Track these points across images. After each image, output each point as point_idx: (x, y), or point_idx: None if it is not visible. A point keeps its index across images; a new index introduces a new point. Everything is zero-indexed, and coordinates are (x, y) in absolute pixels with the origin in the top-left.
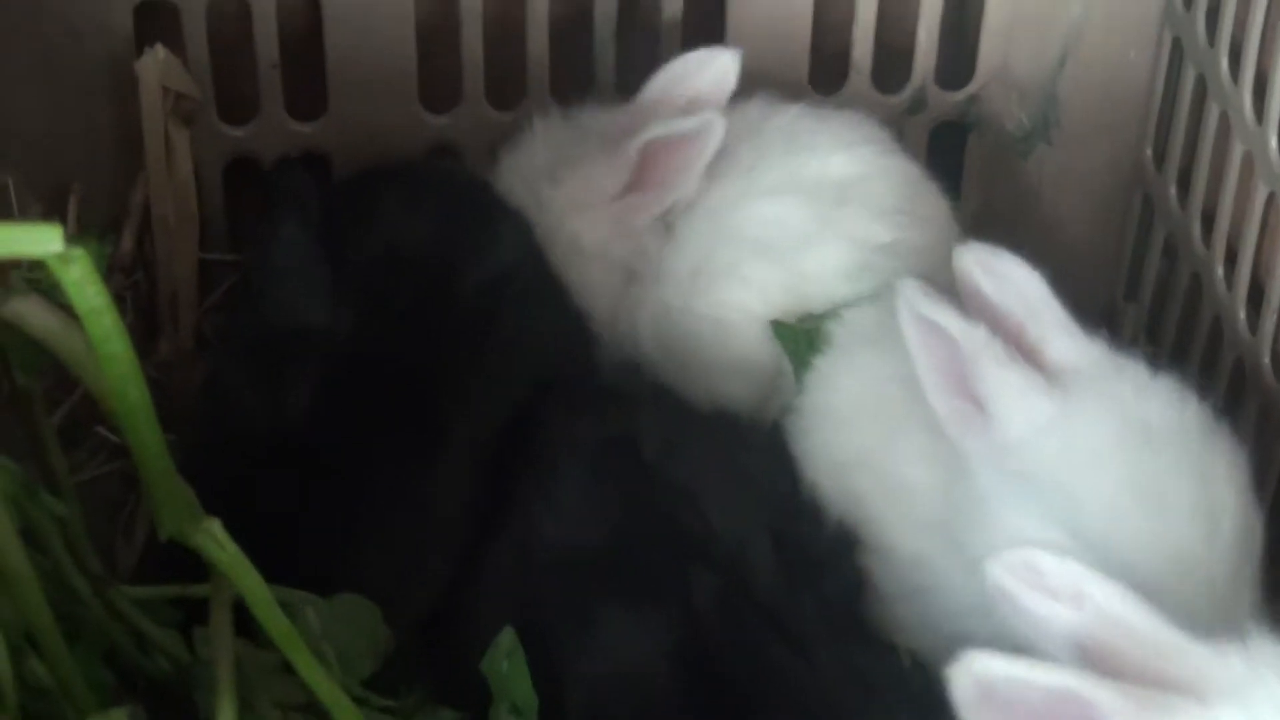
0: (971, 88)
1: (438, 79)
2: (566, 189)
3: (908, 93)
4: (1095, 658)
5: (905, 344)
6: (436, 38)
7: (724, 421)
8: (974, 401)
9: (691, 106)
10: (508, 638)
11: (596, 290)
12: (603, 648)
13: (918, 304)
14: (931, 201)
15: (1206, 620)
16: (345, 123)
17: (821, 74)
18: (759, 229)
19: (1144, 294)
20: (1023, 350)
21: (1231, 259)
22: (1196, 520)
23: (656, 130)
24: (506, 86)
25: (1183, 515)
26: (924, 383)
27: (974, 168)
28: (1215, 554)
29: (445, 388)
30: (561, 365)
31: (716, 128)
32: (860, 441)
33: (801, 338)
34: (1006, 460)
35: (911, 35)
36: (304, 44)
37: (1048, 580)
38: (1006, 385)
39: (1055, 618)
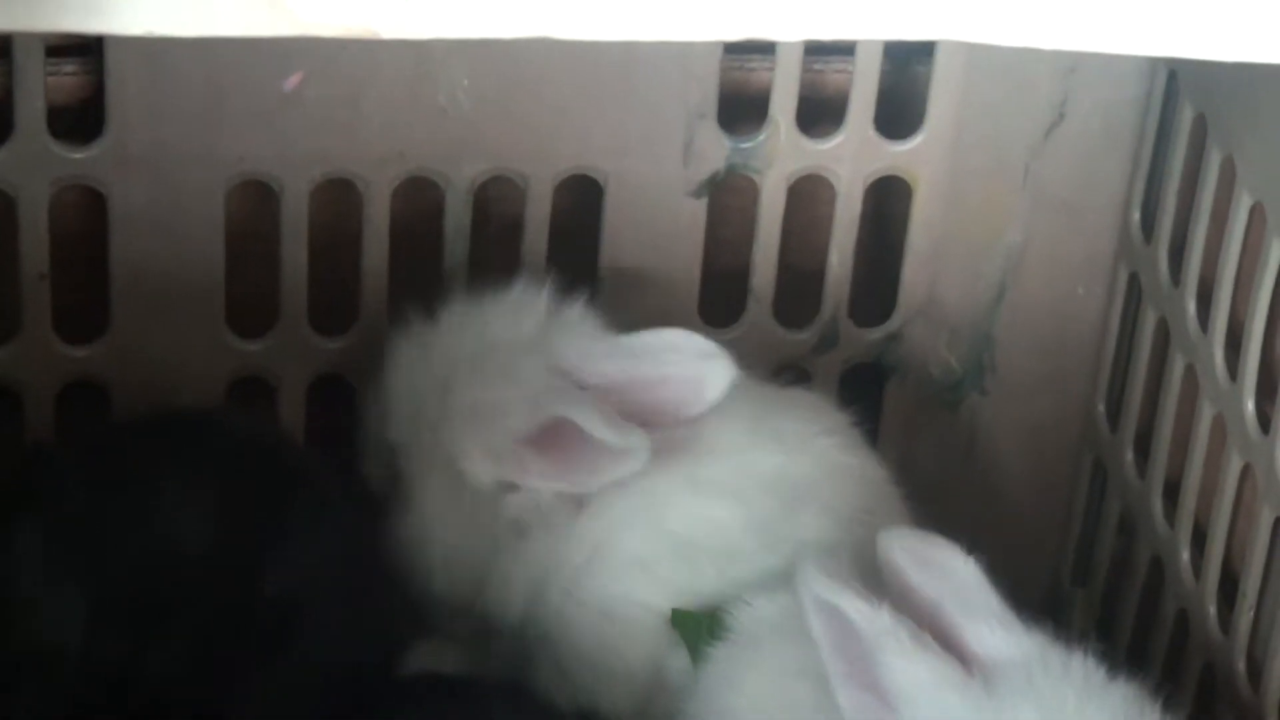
0: (892, 324)
1: (249, 295)
2: (468, 423)
3: (816, 328)
4: None
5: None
6: (249, 245)
7: None
8: (879, 695)
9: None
10: None
11: (470, 543)
12: None
13: (818, 586)
14: (889, 508)
15: None
16: (129, 346)
17: (714, 303)
18: (693, 527)
19: (1096, 578)
20: (949, 643)
21: (1200, 542)
22: None
23: (580, 415)
24: (334, 306)
25: None
26: (831, 673)
27: (893, 418)
28: None
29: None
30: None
31: (639, 453)
32: None
33: (701, 625)
34: None
35: (821, 259)
36: (80, 248)
37: None
38: (912, 677)
39: None
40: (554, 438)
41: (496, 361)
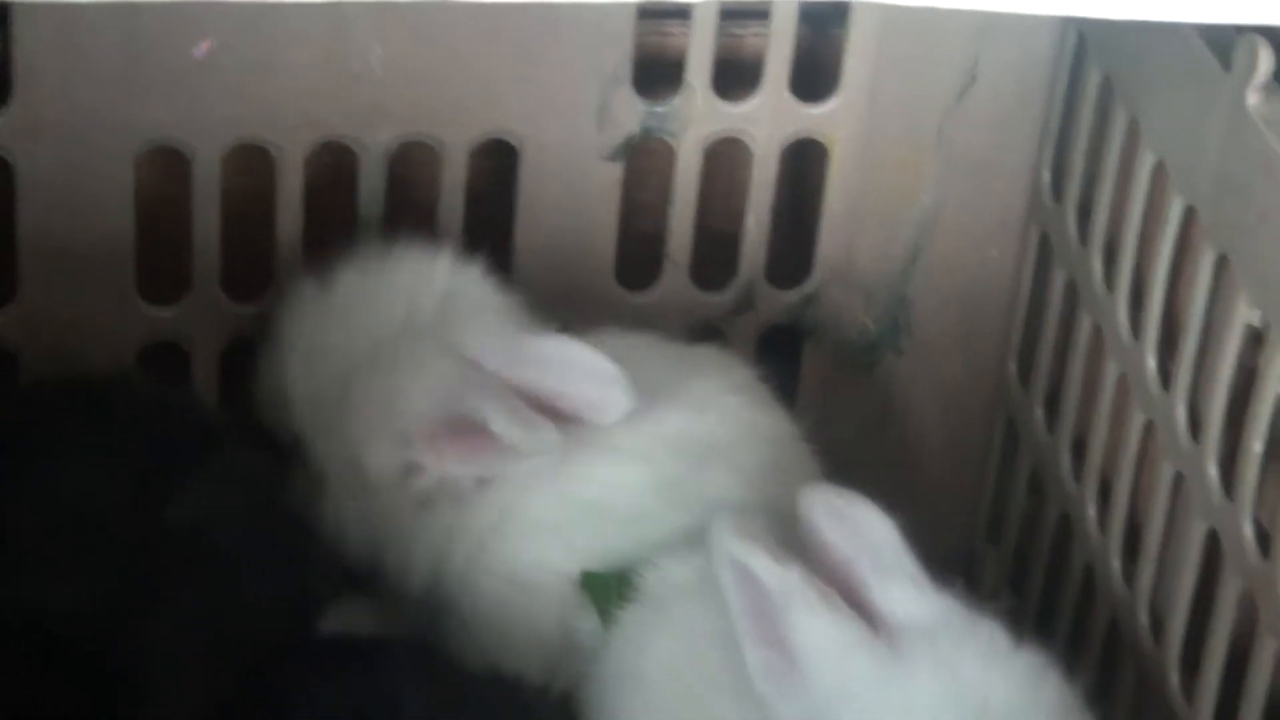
0: (808, 286)
1: (160, 260)
2: (371, 413)
3: (733, 290)
4: None
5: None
6: (161, 211)
7: (501, 690)
8: (786, 653)
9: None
10: None
11: (374, 518)
12: None
13: (728, 543)
14: (801, 466)
15: None
16: (38, 313)
17: (630, 266)
18: (600, 492)
19: (1007, 536)
20: (860, 602)
21: (1106, 497)
22: None
23: (497, 417)
24: (248, 271)
25: None
26: (739, 631)
27: (810, 380)
28: None
29: (139, 662)
30: (294, 618)
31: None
32: (667, 707)
33: (611, 587)
34: None
35: (738, 222)
36: None
37: None
38: (818, 637)
39: None
40: (463, 425)
41: (399, 348)
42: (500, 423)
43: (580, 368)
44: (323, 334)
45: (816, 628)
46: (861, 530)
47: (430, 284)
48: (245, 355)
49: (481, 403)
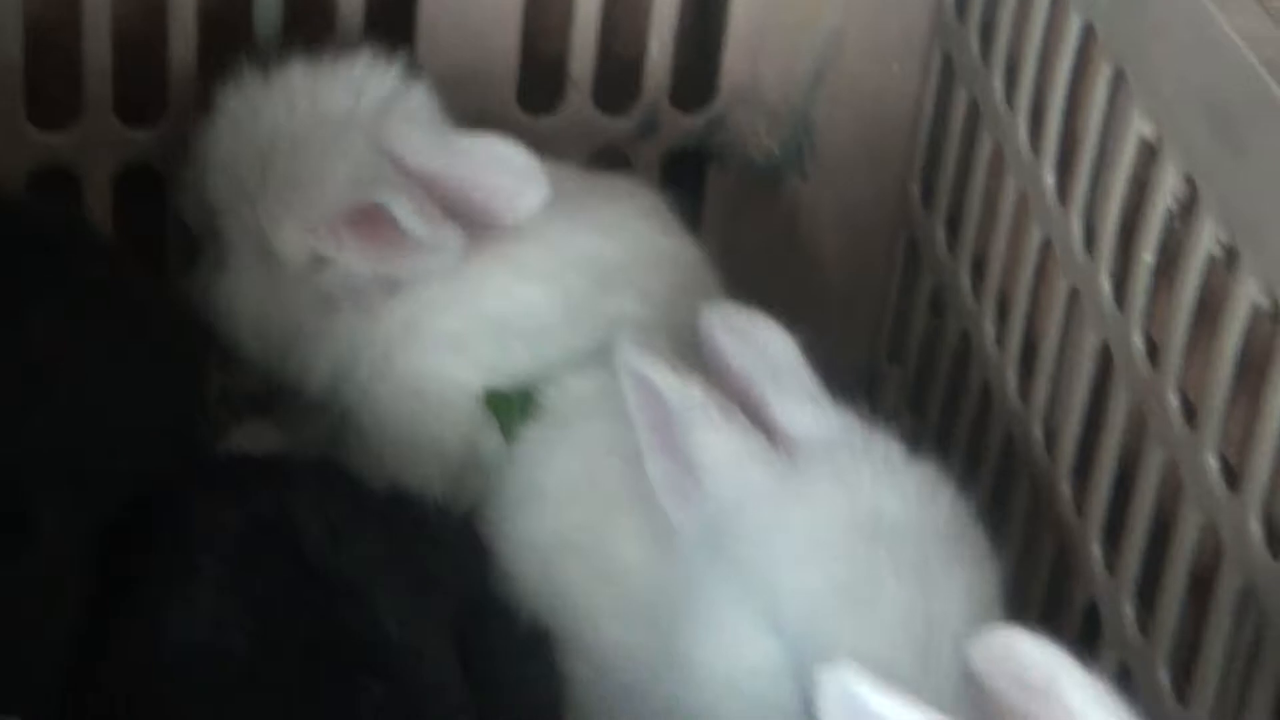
0: (712, 109)
1: (51, 85)
2: (288, 197)
3: (637, 114)
4: None
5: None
6: (51, 34)
7: (401, 506)
8: (687, 467)
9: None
10: None
11: (279, 314)
12: None
13: (630, 358)
14: (709, 291)
15: None
16: None
17: (533, 90)
18: (505, 306)
19: (909, 356)
20: (760, 418)
21: (1003, 314)
22: (911, 640)
23: (399, 204)
24: (142, 95)
25: (895, 631)
26: (642, 444)
27: (716, 203)
28: (932, 681)
29: (16, 473)
30: (182, 441)
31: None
32: (569, 522)
33: (514, 404)
34: (716, 535)
35: (641, 45)
36: None
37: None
38: (717, 450)
39: None
40: (370, 220)
41: (322, 135)
42: (405, 216)
43: (497, 159)
44: (252, 124)
45: (716, 440)
46: (761, 347)
47: (353, 81)
48: (139, 181)
49: (390, 195)
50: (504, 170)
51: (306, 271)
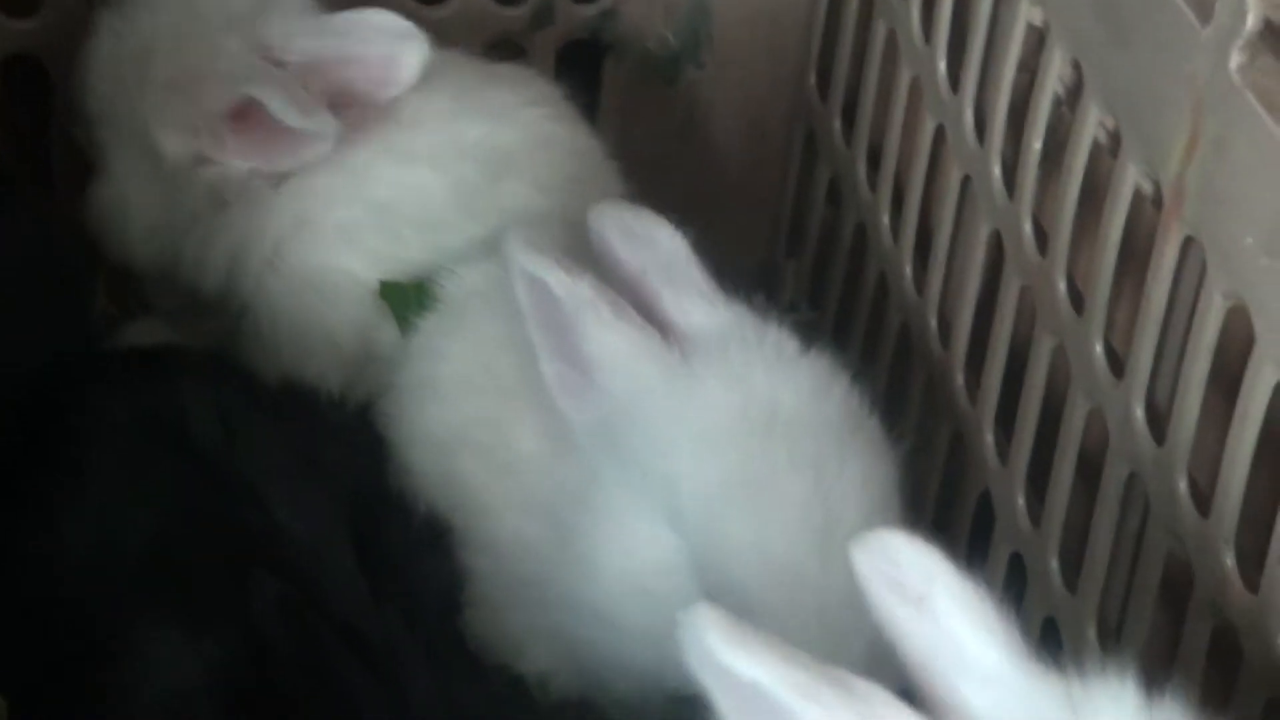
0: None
1: None
2: (166, 66)
3: (531, 3)
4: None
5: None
6: None
7: (295, 399)
8: (580, 365)
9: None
10: None
11: (166, 215)
12: (139, 675)
13: (521, 257)
14: (602, 180)
15: (815, 652)
16: None
17: None
18: (395, 195)
19: (806, 249)
20: (652, 315)
21: (899, 205)
22: (808, 532)
23: (280, 100)
24: None
25: (792, 524)
26: (535, 342)
27: (612, 95)
28: (829, 576)
29: None
30: (64, 336)
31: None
32: (466, 415)
33: (409, 295)
34: (611, 431)
35: None
36: None
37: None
38: (609, 347)
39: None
40: (248, 116)
41: (200, 36)
42: (278, 108)
43: (372, 29)
44: (131, 28)
45: (608, 338)
46: (652, 245)
47: None
48: (21, 72)
49: (261, 88)
50: (380, 38)
51: (191, 171)
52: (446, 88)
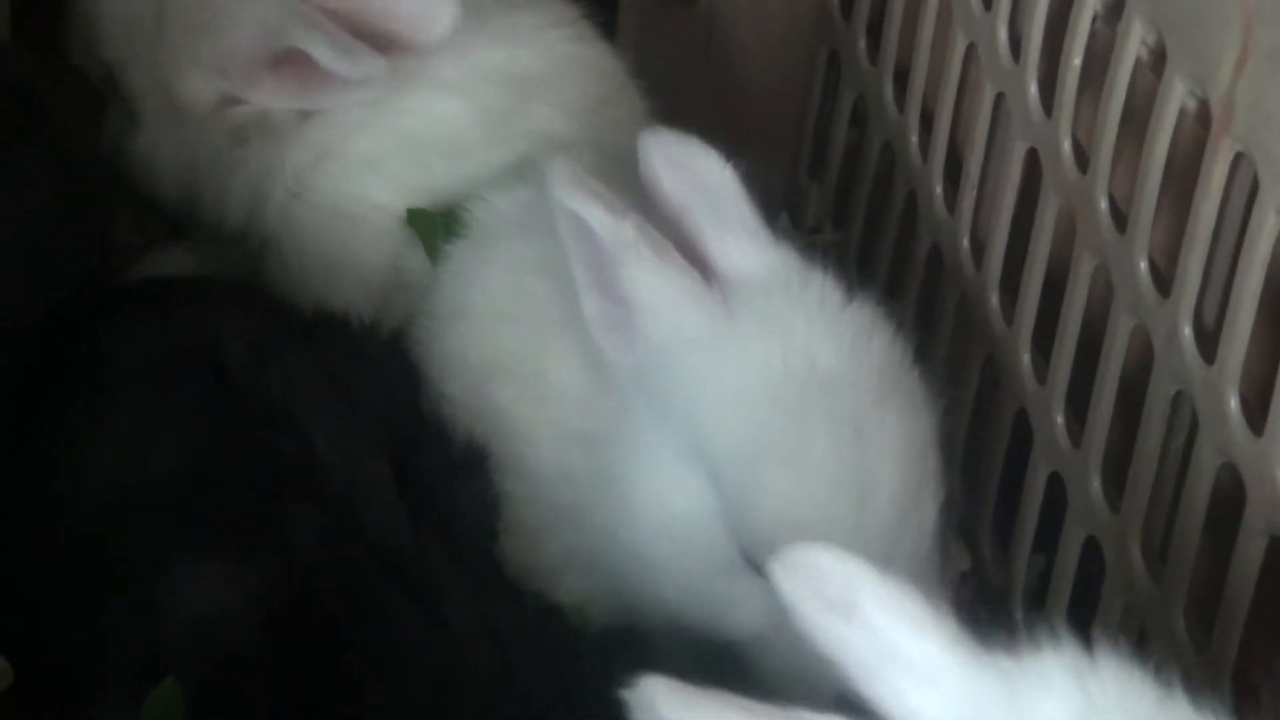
0: None
1: None
2: (192, 44)
3: None
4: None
5: (557, 231)
6: None
7: (329, 327)
8: (622, 304)
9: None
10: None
11: (193, 153)
12: (180, 604)
13: (564, 194)
14: (626, 100)
15: None
16: None
17: None
18: (422, 124)
19: (830, 170)
20: (695, 253)
21: (927, 125)
22: (843, 491)
23: (317, 44)
24: None
25: (827, 483)
26: (578, 280)
27: (630, 16)
28: (865, 533)
29: None
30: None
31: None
32: (502, 344)
33: (438, 223)
34: (652, 374)
35: None
36: None
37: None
38: (651, 289)
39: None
40: (289, 61)
41: None
42: (324, 53)
43: None
44: None
45: (650, 281)
46: (700, 178)
47: None
48: None
49: (305, 34)
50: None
51: (215, 112)
52: (468, 12)
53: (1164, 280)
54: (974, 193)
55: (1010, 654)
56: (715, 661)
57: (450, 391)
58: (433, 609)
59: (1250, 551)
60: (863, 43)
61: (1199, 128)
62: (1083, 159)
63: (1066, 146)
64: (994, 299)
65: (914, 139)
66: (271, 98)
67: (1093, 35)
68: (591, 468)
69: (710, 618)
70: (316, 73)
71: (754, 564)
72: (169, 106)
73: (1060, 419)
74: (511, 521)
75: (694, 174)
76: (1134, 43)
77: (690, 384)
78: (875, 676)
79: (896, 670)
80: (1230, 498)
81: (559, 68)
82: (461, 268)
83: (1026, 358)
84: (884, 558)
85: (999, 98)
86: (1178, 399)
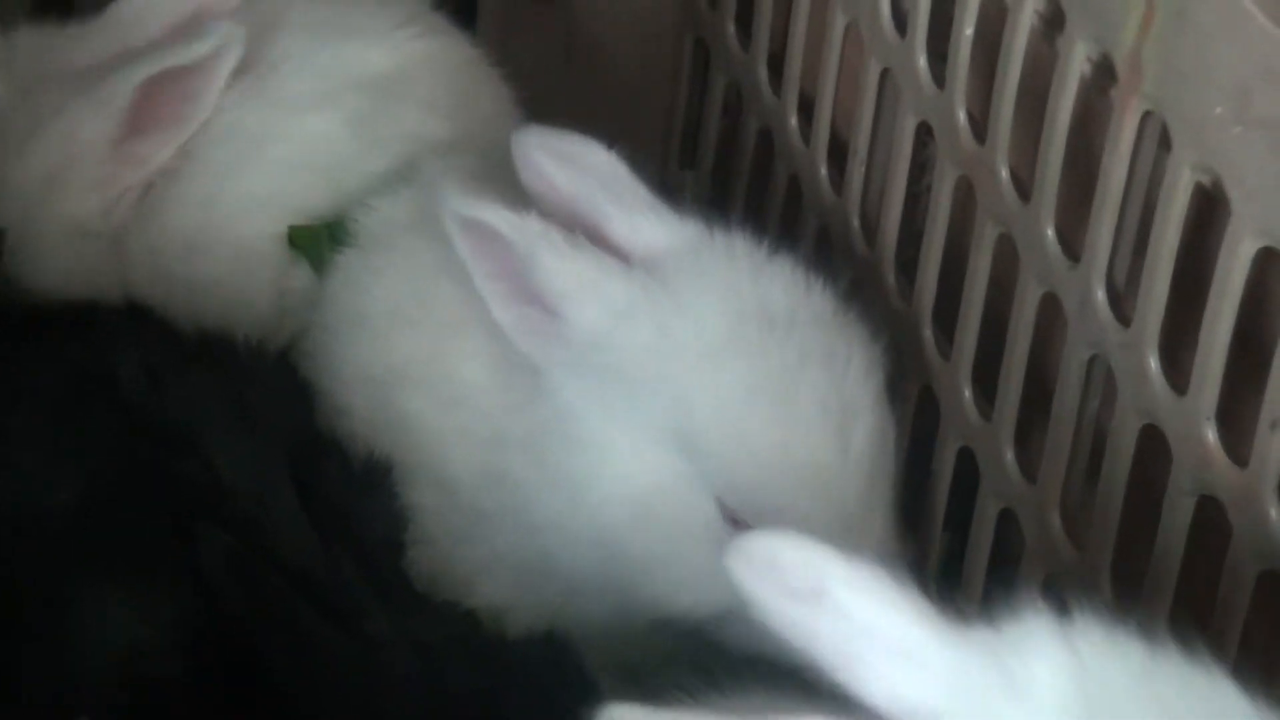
0: None
1: None
2: (39, 159)
3: None
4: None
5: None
6: None
7: (219, 347)
8: (541, 305)
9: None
10: None
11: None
12: (90, 638)
13: (460, 205)
14: (491, 90)
15: (837, 544)
16: None
17: None
18: (294, 150)
19: (704, 159)
20: (600, 240)
21: (807, 108)
22: (828, 426)
23: (155, 64)
24: None
25: (812, 420)
26: (484, 295)
27: (489, 19)
28: (848, 467)
29: None
30: None
31: (234, 44)
32: (404, 350)
33: (321, 235)
34: (589, 362)
35: None
36: None
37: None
38: (571, 276)
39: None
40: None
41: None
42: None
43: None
44: None
45: (570, 268)
46: (588, 167)
47: None
48: None
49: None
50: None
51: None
52: (311, 24)
53: (1070, 246)
54: (862, 172)
55: (988, 624)
56: (641, 664)
57: (351, 404)
58: (352, 624)
59: (1179, 512)
60: (732, 28)
61: (1096, 90)
62: (978, 129)
63: (961, 117)
64: (890, 277)
65: (793, 122)
66: (158, 141)
67: (981, 4)
68: (518, 467)
69: (686, 593)
70: (178, 92)
71: (740, 522)
72: (55, 228)
73: (968, 393)
74: (420, 533)
75: (580, 163)
76: (1030, 5)
77: (643, 356)
78: (852, 662)
79: (874, 653)
80: (1145, 459)
81: (415, 65)
82: (353, 277)
83: (928, 333)
84: (866, 487)
85: (884, 74)
86: (1091, 364)
